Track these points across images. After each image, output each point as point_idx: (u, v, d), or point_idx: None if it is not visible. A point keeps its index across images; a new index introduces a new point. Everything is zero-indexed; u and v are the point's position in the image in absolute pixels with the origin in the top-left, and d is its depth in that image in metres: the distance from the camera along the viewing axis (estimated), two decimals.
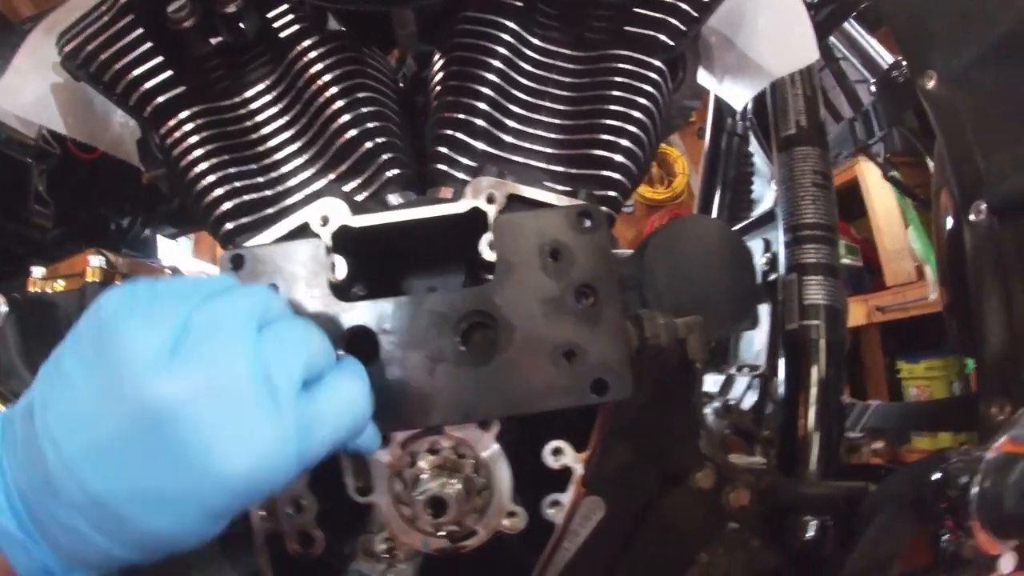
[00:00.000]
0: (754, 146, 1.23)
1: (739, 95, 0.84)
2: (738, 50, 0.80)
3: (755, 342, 1.07)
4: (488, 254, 0.61)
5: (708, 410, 0.91)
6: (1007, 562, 0.61)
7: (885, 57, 1.07)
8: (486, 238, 0.61)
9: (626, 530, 0.73)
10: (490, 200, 0.63)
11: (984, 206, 0.73)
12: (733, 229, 1.15)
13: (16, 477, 0.45)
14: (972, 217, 0.74)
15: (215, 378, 0.43)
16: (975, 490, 0.57)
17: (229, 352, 0.44)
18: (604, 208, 0.71)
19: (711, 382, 1.12)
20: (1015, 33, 0.74)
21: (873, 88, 0.97)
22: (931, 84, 0.77)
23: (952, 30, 0.77)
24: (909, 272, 2.46)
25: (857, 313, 2.61)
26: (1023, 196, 0.72)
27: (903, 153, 1.24)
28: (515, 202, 0.63)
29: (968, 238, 0.74)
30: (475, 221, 0.62)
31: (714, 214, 1.30)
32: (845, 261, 2.57)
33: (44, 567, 0.46)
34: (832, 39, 1.13)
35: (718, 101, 1.33)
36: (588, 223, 0.60)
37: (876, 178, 1.14)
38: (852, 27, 1.12)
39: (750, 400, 1.02)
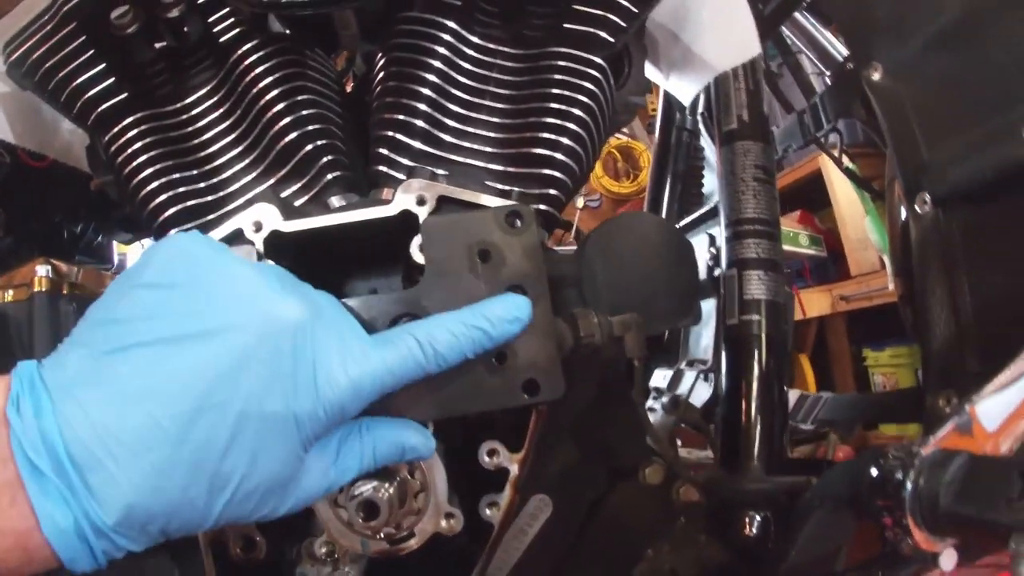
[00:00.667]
0: (705, 140, 1.21)
1: (685, 90, 0.82)
2: (683, 45, 0.78)
3: (704, 337, 1.05)
4: (419, 256, 0.59)
5: (656, 405, 0.89)
6: (947, 560, 0.59)
7: (840, 50, 1.05)
8: (416, 241, 0.60)
9: (575, 527, 0.72)
10: (421, 202, 0.61)
11: (928, 197, 0.71)
12: (679, 224, 1.13)
13: (71, 416, 0.42)
14: (917, 208, 0.72)
15: (320, 310, 0.49)
16: (910, 487, 0.55)
17: (318, 297, 0.51)
18: (546, 207, 0.70)
19: (660, 377, 1.11)
20: (959, 23, 0.71)
21: (829, 81, 0.95)
22: (876, 75, 0.75)
23: (897, 21, 0.75)
24: (873, 262, 2.43)
25: (822, 303, 2.60)
26: (966, 186, 0.70)
27: (863, 144, 1.21)
28: (446, 204, 0.62)
29: (914, 229, 0.73)
30: (407, 223, 0.61)
31: (664, 208, 1.28)
32: (810, 252, 2.57)
33: (78, 523, 0.41)
34: (788, 33, 1.10)
35: (667, 96, 1.31)
36: (518, 223, 0.58)
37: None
38: (807, 20, 1.09)
39: (703, 395, 1.00)
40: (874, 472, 0.58)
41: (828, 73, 1.01)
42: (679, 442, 1.01)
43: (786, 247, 2.55)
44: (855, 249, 2.49)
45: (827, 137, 1.00)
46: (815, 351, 2.76)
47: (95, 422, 0.42)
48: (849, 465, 0.59)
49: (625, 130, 3.83)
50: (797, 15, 1.07)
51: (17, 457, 0.41)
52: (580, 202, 3.84)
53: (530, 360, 0.57)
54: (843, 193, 2.47)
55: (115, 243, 1.19)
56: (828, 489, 0.60)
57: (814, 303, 2.57)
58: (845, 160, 1.04)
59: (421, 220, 0.60)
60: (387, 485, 0.58)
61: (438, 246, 0.58)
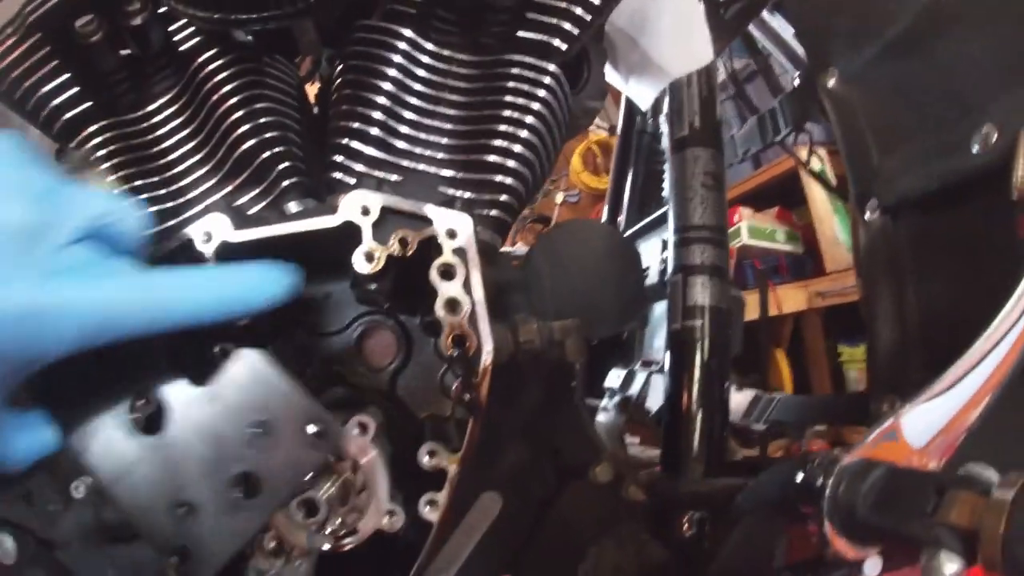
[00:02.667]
0: (667, 142, 1.22)
1: (644, 95, 0.83)
2: (641, 50, 0.80)
3: (658, 338, 1.07)
4: (360, 267, 0.62)
5: (609, 404, 0.91)
6: (871, 567, 0.61)
7: None
8: (360, 250, 0.62)
9: (526, 524, 0.75)
10: (364, 212, 0.64)
11: (877, 204, 0.73)
12: (634, 229, 1.15)
13: None
14: (867, 215, 0.74)
15: None
16: (828, 494, 0.57)
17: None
18: (498, 212, 0.72)
19: (615, 377, 1.13)
20: (911, 33, 0.72)
21: (797, 81, 0.96)
22: (832, 82, 0.76)
23: (852, 28, 0.76)
24: (848, 259, 2.44)
25: (798, 299, 2.61)
26: (914, 196, 0.71)
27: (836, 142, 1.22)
28: (390, 214, 0.64)
29: (863, 235, 0.74)
30: (350, 233, 0.63)
31: (624, 210, 1.30)
32: (787, 248, 2.58)
33: None
34: (757, 34, 1.11)
35: (628, 99, 1.32)
36: (322, 444, 0.57)
37: (817, 166, 1.13)
38: (776, 20, 1.10)
39: (661, 393, 1.03)
40: (799, 478, 0.60)
41: (797, 73, 1.02)
42: (637, 440, 1.04)
43: (763, 243, 2.61)
44: (831, 246, 2.51)
45: (796, 136, 1.01)
46: (791, 347, 2.78)
47: None
48: (778, 470, 0.62)
49: (605, 125, 3.83)
50: (766, 15, 1.08)
51: None
52: (559, 197, 3.87)
53: (201, 555, 0.55)
54: (819, 190, 2.49)
55: None
56: (758, 493, 0.63)
57: (790, 299, 2.58)
58: (814, 160, 1.05)
59: (364, 231, 0.62)
60: (327, 484, 0.61)
61: (245, 378, 0.56)
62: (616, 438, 0.94)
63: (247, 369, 0.57)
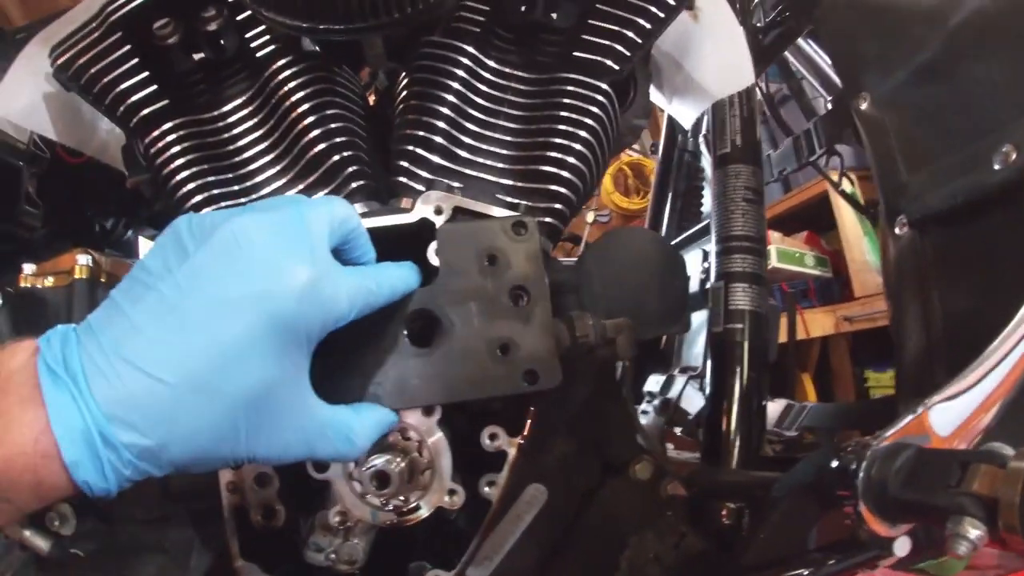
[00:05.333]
0: (706, 161, 1.36)
1: (686, 114, 0.97)
2: (685, 72, 0.93)
3: (696, 346, 1.20)
4: (434, 259, 0.74)
5: (649, 408, 1.03)
6: (901, 545, 0.72)
7: None
8: (433, 246, 0.74)
9: (568, 516, 0.86)
10: (438, 212, 0.76)
11: (905, 219, 0.86)
12: (676, 240, 1.28)
13: (87, 343, 0.52)
14: (896, 230, 0.87)
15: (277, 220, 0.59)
16: (862, 476, 0.68)
17: (290, 211, 0.61)
18: (551, 219, 0.85)
19: (654, 382, 1.25)
20: (939, 58, 0.86)
21: (829, 105, 1.09)
22: (864, 105, 0.90)
23: (883, 54, 0.89)
24: (877, 283, 2.62)
25: (826, 323, 2.79)
26: (940, 210, 0.84)
27: (866, 167, 1.35)
28: (461, 213, 0.76)
29: (892, 249, 0.87)
30: (425, 230, 0.75)
31: (664, 224, 1.44)
32: (815, 272, 2.74)
33: (85, 421, 0.50)
34: (791, 58, 1.25)
35: (670, 119, 1.46)
36: (522, 232, 0.73)
37: (848, 189, 1.27)
38: (809, 47, 1.24)
39: (694, 399, 1.14)
40: (834, 464, 0.71)
41: (829, 97, 1.15)
42: (671, 446, 1.15)
43: (792, 267, 2.77)
44: (860, 270, 2.68)
45: (828, 160, 1.14)
46: (818, 371, 2.94)
47: (106, 349, 0.52)
48: (813, 458, 0.73)
49: (636, 147, 4.04)
50: (800, 41, 1.22)
51: (39, 367, 0.51)
52: (590, 217, 4.05)
53: (530, 352, 0.70)
54: (849, 215, 2.68)
55: (141, 239, 1.35)
56: (794, 480, 0.74)
57: (818, 323, 2.75)
58: (845, 183, 1.19)
59: (438, 227, 0.74)
60: (399, 459, 0.72)
61: (451, 249, 0.72)
62: (656, 438, 1.05)
63: None
